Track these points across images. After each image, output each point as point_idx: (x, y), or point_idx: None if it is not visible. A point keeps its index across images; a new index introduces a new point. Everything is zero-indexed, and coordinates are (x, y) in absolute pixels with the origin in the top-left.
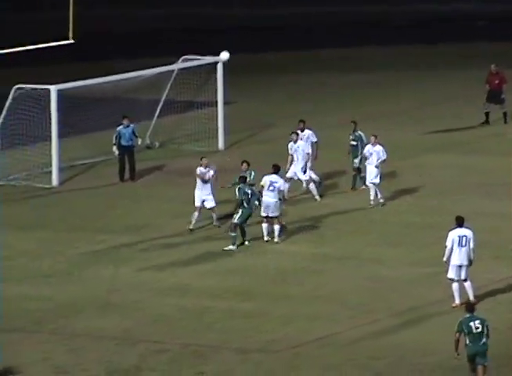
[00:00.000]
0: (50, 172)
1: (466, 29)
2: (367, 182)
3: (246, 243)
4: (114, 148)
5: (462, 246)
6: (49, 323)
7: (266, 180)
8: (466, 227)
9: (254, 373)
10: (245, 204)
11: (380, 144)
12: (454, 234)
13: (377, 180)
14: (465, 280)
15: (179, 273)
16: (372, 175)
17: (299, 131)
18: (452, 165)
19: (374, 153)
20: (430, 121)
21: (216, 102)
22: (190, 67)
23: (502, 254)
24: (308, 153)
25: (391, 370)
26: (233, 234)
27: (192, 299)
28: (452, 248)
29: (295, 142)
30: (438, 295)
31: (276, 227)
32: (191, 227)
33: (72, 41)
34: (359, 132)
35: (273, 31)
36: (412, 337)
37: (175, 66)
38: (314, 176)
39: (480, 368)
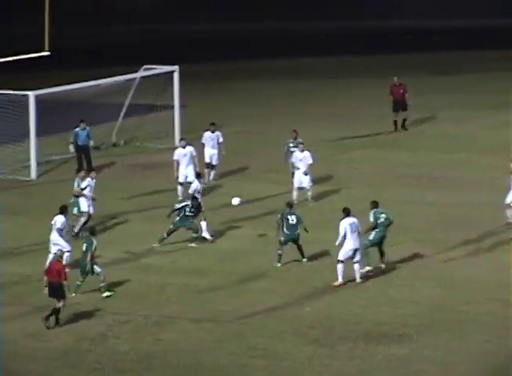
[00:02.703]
0: (29, 166)
1: (391, 42)
2: (296, 186)
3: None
4: (71, 146)
5: (353, 232)
6: (29, 297)
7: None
8: (353, 216)
9: (206, 340)
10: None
11: (307, 150)
12: (345, 223)
13: (310, 184)
14: (356, 262)
15: (143, 255)
16: (304, 180)
17: (210, 132)
18: (379, 159)
19: (303, 160)
20: (358, 122)
21: (173, 105)
22: (150, 75)
23: (422, 237)
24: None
25: (326, 337)
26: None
27: (153, 276)
28: (345, 235)
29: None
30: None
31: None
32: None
33: (48, 53)
34: (299, 140)
35: (223, 44)
36: (344, 308)
37: (138, 75)
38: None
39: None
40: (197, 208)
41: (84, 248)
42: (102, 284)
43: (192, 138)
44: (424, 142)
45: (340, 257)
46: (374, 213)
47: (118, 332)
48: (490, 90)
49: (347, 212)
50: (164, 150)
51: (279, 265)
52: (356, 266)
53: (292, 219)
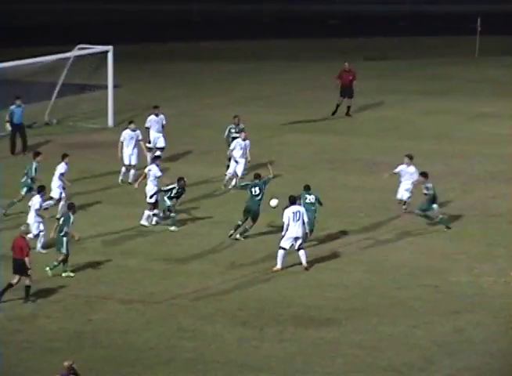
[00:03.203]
0: None
1: (319, 27)
2: (239, 173)
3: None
4: (7, 125)
5: (296, 220)
6: None
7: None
8: (299, 204)
9: (136, 321)
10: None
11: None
12: (289, 211)
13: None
14: (300, 249)
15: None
16: (241, 167)
17: (154, 116)
18: (311, 144)
19: (245, 147)
20: (290, 105)
21: (106, 85)
22: (84, 55)
23: (351, 222)
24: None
25: (254, 319)
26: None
27: (84, 257)
28: (288, 223)
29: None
30: (296, 257)
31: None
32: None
33: None
34: (241, 126)
35: (158, 25)
36: (273, 291)
37: (72, 54)
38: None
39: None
40: (182, 190)
41: (60, 223)
42: (55, 263)
43: (125, 118)
44: (356, 127)
45: (283, 244)
46: (302, 195)
47: (49, 312)
48: (424, 76)
49: (292, 201)
50: (97, 130)
51: (232, 233)
52: (301, 252)
53: (255, 191)
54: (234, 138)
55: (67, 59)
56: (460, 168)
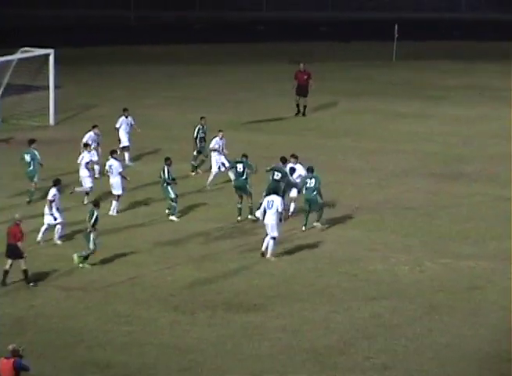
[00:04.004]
0: None
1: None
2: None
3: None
4: None
5: (269, 208)
6: None
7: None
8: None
9: (75, 306)
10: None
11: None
12: (265, 200)
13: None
14: (272, 238)
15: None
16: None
17: (124, 117)
18: (239, 141)
19: (222, 145)
20: (221, 105)
21: (48, 86)
22: (28, 57)
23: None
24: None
25: (186, 305)
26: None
27: (27, 247)
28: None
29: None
30: (227, 246)
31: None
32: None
33: None
34: (206, 127)
35: (99, 30)
36: (205, 279)
37: (15, 56)
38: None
39: None
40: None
41: (87, 218)
42: (83, 253)
43: (66, 116)
44: (283, 126)
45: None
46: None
47: None
48: (346, 78)
49: (267, 191)
50: (39, 128)
51: (239, 218)
52: (271, 242)
53: (239, 168)
54: (202, 138)
55: (12, 61)
56: (378, 164)
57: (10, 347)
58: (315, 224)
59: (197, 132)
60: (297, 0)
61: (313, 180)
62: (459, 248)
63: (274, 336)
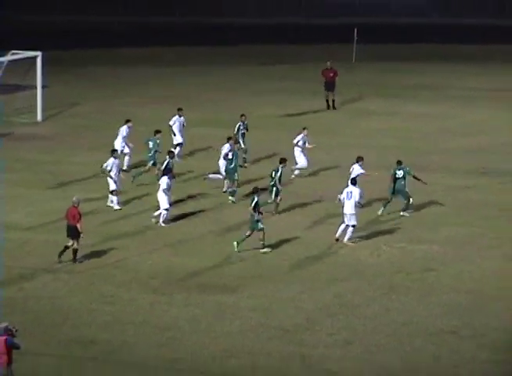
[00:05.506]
0: None
1: (223, 37)
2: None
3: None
4: None
5: (349, 199)
6: None
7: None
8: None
9: (62, 288)
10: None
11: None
12: (344, 191)
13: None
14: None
15: (9, 215)
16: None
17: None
18: (212, 136)
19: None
20: (197, 104)
21: (36, 85)
22: (17, 59)
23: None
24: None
25: (165, 287)
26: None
27: (16, 234)
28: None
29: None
30: (200, 231)
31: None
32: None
33: None
34: (246, 123)
35: (84, 34)
36: (181, 263)
37: (5, 58)
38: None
39: None
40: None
41: (253, 204)
42: (261, 242)
43: (52, 113)
44: (254, 122)
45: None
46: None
47: None
48: (313, 79)
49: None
50: (28, 124)
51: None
52: (350, 229)
53: (230, 156)
54: (243, 134)
55: (2, 63)
56: (340, 157)
57: (3, 325)
58: (401, 213)
59: (237, 129)
60: (272, 6)
61: (401, 172)
62: (415, 233)
63: (245, 315)
